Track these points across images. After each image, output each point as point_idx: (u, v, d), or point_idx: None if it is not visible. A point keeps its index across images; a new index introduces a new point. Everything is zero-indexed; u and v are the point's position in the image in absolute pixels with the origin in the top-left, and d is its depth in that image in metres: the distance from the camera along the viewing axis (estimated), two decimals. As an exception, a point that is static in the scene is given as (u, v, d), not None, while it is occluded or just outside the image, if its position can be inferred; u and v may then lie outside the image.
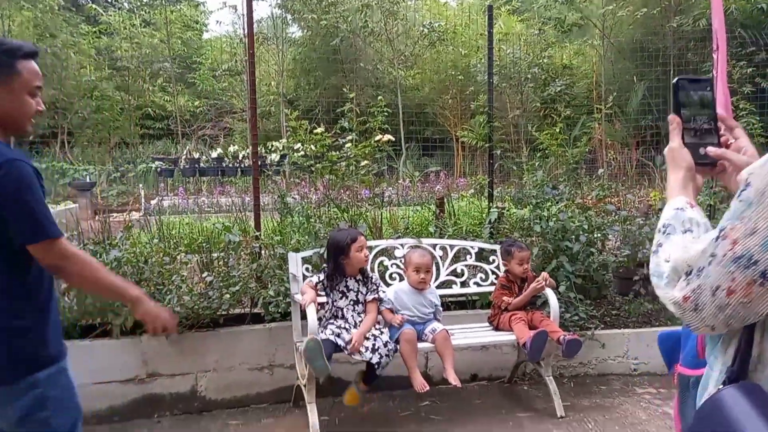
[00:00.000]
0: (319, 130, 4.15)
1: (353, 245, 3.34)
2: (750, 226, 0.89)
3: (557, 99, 13.04)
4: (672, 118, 1.15)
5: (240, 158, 12.76)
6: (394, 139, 4.32)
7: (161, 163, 12.83)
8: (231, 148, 12.92)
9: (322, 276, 3.39)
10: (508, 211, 4.73)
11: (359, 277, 3.42)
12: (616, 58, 13.12)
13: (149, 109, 17.27)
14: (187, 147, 13.65)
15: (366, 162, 4.13)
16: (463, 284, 4.06)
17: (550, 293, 3.69)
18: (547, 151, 4.87)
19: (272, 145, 12.36)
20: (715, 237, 0.94)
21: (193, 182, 12.95)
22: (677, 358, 1.47)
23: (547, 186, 4.49)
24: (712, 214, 4.84)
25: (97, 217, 6.89)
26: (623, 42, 13.00)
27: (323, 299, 3.42)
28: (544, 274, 3.86)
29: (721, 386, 0.99)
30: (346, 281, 3.40)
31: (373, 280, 3.46)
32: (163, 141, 17.24)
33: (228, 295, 3.62)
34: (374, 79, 15.11)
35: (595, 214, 4.73)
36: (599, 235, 4.42)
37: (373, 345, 3.19)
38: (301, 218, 4.06)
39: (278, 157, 11.75)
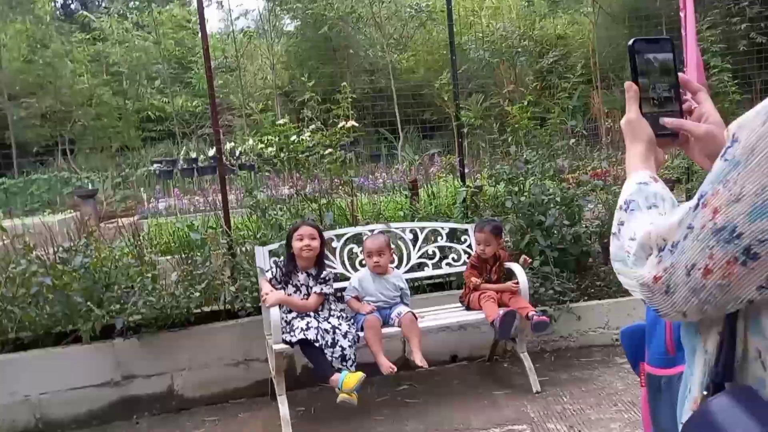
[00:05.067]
0: (282, 121, 4.12)
1: (294, 234, 3.30)
2: (735, 191, 0.73)
3: (552, 71, 12.82)
4: (628, 85, 1.04)
5: (237, 155, 12.77)
6: (357, 124, 4.28)
7: (159, 165, 12.94)
8: (228, 145, 12.94)
9: (275, 269, 3.36)
10: (492, 187, 4.65)
11: (312, 271, 3.36)
12: (609, 25, 12.87)
13: (149, 112, 17.37)
14: (184, 147, 13.73)
15: (330, 150, 4.10)
16: (435, 266, 4.03)
17: (518, 270, 3.65)
18: (521, 126, 4.78)
19: (268, 140, 12.34)
20: (694, 205, 0.78)
21: (195, 182, 13.02)
22: (643, 356, 1.33)
23: (519, 161, 4.42)
24: (689, 177, 4.74)
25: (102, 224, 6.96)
26: (615, 8, 12.75)
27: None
28: (524, 257, 3.79)
29: (705, 392, 0.85)
30: (299, 275, 3.35)
31: (323, 275, 3.34)
32: (165, 143, 17.34)
33: (197, 294, 3.64)
34: (368, 65, 14.98)
35: (576, 185, 4.66)
36: (574, 206, 4.35)
37: (333, 339, 3.12)
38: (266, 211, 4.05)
39: (274, 150, 11.74)
